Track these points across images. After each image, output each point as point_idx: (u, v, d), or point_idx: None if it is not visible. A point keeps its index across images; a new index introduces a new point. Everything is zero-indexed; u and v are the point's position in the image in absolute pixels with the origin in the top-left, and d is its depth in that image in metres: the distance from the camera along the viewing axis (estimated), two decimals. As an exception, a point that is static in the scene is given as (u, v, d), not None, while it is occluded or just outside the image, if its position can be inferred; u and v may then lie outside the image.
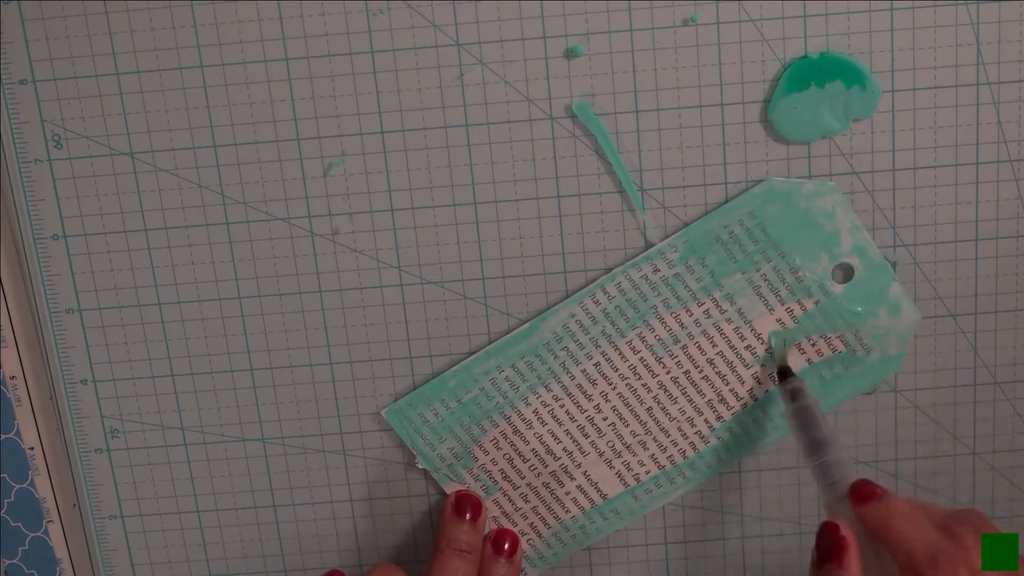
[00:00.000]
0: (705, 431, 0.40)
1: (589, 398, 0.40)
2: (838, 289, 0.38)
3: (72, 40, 0.38)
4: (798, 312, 0.38)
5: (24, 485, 0.41)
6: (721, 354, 0.39)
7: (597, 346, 0.39)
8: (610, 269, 0.39)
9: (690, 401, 0.40)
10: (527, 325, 0.39)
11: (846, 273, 0.38)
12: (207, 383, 0.41)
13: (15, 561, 0.42)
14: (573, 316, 0.39)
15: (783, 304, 0.39)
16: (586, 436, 0.40)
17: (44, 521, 0.42)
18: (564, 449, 0.41)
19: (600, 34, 0.37)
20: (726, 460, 0.41)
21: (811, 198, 0.38)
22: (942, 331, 0.40)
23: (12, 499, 0.41)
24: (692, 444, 0.40)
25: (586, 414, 0.40)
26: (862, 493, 0.34)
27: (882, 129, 0.38)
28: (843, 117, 0.38)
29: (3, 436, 0.41)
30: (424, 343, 0.41)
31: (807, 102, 0.37)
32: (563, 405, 0.40)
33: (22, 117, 0.38)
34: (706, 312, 0.39)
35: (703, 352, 0.39)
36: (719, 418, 0.40)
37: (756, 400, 0.40)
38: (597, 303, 0.39)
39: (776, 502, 0.42)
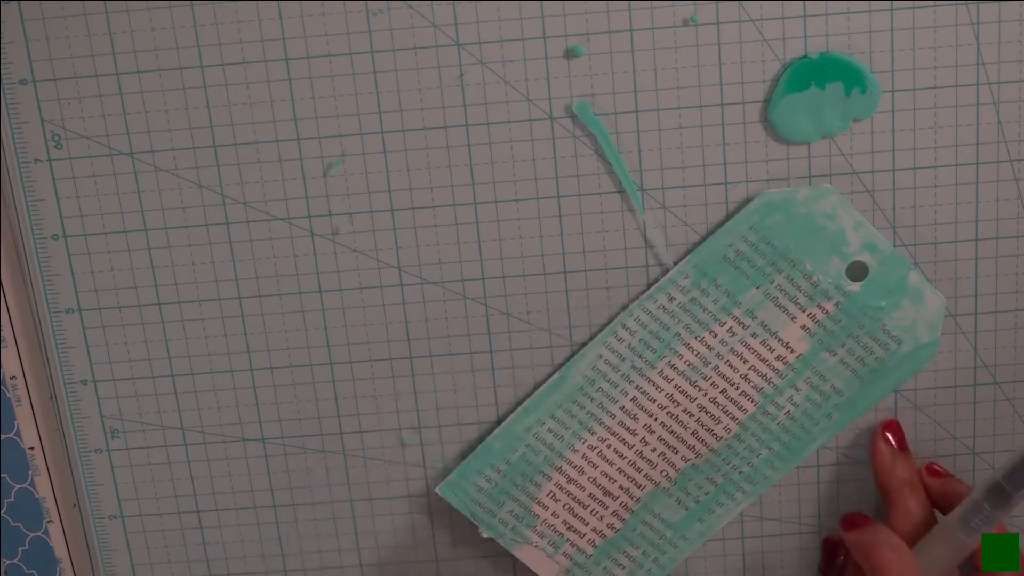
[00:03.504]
0: (754, 444, 0.40)
1: (633, 433, 0.40)
2: (855, 287, 0.38)
3: (72, 40, 0.38)
4: (820, 316, 0.38)
5: (24, 485, 0.41)
6: (754, 368, 0.39)
7: (630, 381, 0.39)
8: (608, 269, 0.39)
9: (733, 419, 0.40)
10: (557, 375, 0.39)
11: (861, 271, 0.38)
12: (207, 383, 0.41)
13: (15, 561, 0.42)
14: (600, 357, 0.39)
15: (804, 311, 0.38)
16: (639, 470, 0.40)
17: (44, 521, 0.42)
18: (620, 487, 0.40)
19: (600, 34, 0.37)
20: (781, 468, 0.41)
21: (809, 203, 0.38)
22: (942, 331, 0.40)
23: (12, 499, 0.41)
24: (745, 459, 0.40)
25: (634, 449, 0.40)
26: (853, 521, 0.38)
27: (882, 129, 0.38)
28: (843, 117, 0.38)
29: (3, 436, 0.41)
30: (424, 343, 0.41)
31: (807, 102, 0.37)
32: (610, 445, 0.40)
33: (22, 117, 0.38)
34: (729, 331, 0.39)
35: (735, 369, 0.39)
36: (766, 430, 0.40)
37: (796, 406, 0.40)
38: (621, 340, 0.39)
39: (776, 502, 0.42)
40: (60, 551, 0.42)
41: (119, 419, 0.42)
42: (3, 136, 0.39)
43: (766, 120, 0.38)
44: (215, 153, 0.39)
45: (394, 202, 0.39)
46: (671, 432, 0.40)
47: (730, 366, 0.39)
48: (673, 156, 0.38)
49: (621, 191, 0.39)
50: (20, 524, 0.42)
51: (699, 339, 0.39)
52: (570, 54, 0.38)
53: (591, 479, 0.40)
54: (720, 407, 0.40)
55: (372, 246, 0.40)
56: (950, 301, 0.40)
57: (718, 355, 0.39)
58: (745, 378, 0.39)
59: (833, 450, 0.41)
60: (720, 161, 0.38)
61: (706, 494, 0.41)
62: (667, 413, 0.40)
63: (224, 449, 0.42)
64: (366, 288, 0.40)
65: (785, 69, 0.37)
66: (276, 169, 0.39)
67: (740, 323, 0.39)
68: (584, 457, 0.40)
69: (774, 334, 0.39)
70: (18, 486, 0.41)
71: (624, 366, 0.39)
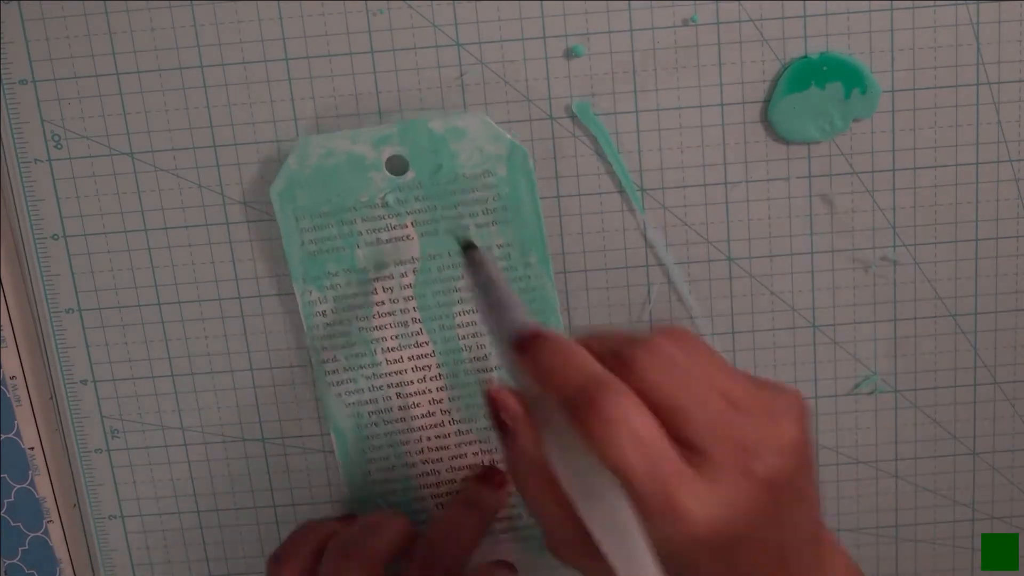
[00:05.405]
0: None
1: (435, 415, 0.41)
2: (409, 176, 0.38)
3: (72, 40, 0.38)
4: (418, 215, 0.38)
5: (24, 485, 0.41)
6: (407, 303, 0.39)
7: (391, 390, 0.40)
8: (608, 269, 0.39)
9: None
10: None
11: (402, 163, 0.38)
12: (207, 383, 0.41)
13: (15, 561, 0.42)
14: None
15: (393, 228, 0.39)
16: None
17: (44, 521, 0.42)
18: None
19: (600, 34, 0.37)
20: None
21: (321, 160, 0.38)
22: (942, 331, 0.40)
23: (12, 499, 0.41)
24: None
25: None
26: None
27: (882, 129, 0.38)
28: (843, 117, 0.38)
29: (3, 436, 0.41)
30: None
31: (807, 102, 0.37)
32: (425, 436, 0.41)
33: (22, 117, 0.38)
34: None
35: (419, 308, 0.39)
36: None
37: None
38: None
39: (776, 502, 0.42)
40: (60, 551, 0.42)
41: (119, 419, 0.42)
42: (3, 136, 0.39)
43: (766, 120, 0.38)
44: (215, 153, 0.39)
45: (394, 202, 0.39)
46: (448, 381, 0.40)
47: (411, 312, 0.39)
48: (673, 156, 0.38)
49: (621, 191, 0.39)
50: (20, 524, 0.42)
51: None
52: (570, 54, 0.38)
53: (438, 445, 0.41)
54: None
55: (372, 246, 0.40)
56: (950, 301, 0.40)
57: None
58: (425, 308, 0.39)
59: (833, 450, 0.41)
60: (720, 161, 0.38)
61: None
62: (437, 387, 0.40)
63: (224, 449, 0.42)
64: (366, 288, 0.40)
65: (785, 69, 0.37)
66: (276, 169, 0.39)
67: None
68: (421, 448, 0.41)
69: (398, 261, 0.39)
70: (18, 486, 0.41)
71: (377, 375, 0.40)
